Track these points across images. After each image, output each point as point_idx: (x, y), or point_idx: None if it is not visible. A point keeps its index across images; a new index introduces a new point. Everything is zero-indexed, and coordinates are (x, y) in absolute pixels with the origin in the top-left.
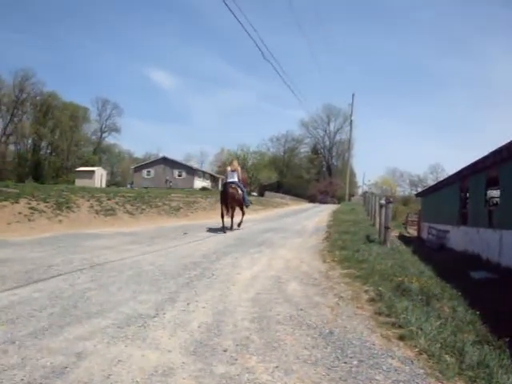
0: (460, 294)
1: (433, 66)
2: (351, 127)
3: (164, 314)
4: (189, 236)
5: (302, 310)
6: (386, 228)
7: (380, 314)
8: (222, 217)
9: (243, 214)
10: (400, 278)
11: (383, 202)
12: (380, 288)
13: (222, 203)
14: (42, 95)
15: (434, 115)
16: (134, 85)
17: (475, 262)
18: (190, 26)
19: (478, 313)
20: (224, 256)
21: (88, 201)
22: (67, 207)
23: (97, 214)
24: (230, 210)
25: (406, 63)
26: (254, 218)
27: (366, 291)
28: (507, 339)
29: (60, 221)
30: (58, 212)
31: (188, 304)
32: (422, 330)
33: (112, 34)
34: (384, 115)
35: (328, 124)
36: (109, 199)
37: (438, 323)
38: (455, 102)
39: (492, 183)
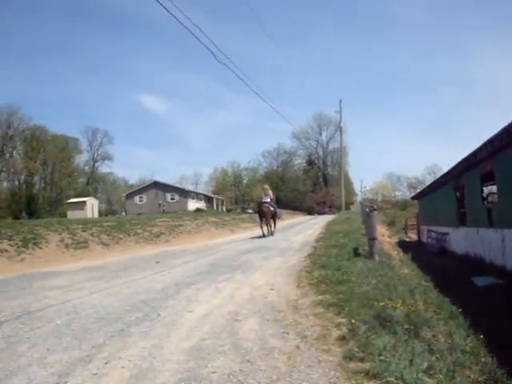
0: (460, 309)
1: (421, 68)
2: (341, 134)
3: (66, 383)
4: (160, 265)
5: (249, 361)
6: (372, 239)
7: (351, 358)
8: (262, 227)
9: (275, 225)
10: (382, 303)
11: (367, 210)
12: (353, 320)
13: (259, 218)
14: (30, 129)
15: (427, 116)
16: (126, 111)
17: (478, 266)
18: (178, 49)
19: (481, 336)
20: (185, 288)
21: (60, 234)
22: (34, 243)
23: (66, 248)
24: (265, 222)
25: (395, 67)
26: (242, 237)
27: (338, 325)
28: None
29: (22, 259)
30: (23, 249)
31: (106, 363)
32: (403, 379)
33: (99, 62)
34: (378, 121)
35: (320, 134)
36: (84, 231)
37: (426, 365)
38: (447, 101)
39: (488, 178)
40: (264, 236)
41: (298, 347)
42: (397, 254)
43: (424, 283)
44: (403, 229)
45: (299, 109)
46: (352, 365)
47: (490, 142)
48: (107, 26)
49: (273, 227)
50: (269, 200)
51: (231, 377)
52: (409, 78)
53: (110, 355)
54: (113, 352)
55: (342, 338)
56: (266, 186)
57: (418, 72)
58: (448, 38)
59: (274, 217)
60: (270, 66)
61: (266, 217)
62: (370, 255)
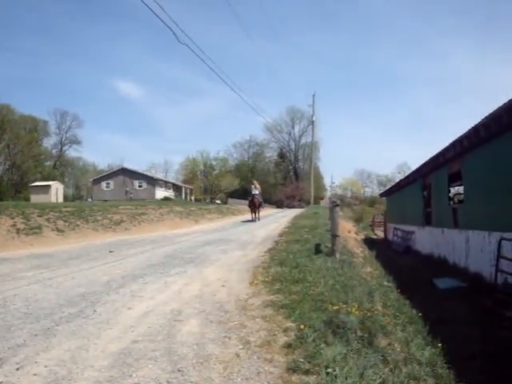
0: (420, 314)
1: (396, 68)
2: (313, 128)
3: None
4: (113, 255)
5: (179, 371)
6: (334, 236)
7: (295, 370)
8: (251, 214)
9: (259, 212)
10: (336, 307)
11: (331, 205)
12: (302, 326)
13: (250, 206)
14: None
15: (400, 116)
16: (100, 96)
17: (442, 267)
18: (156, 37)
19: (439, 345)
20: (132, 281)
21: (12, 219)
22: None
23: (17, 233)
24: (255, 210)
25: (371, 66)
26: (206, 228)
27: (287, 330)
28: None
29: None
30: None
31: (18, 369)
32: None
33: (75, 45)
34: (351, 118)
35: (292, 127)
36: (40, 215)
37: (378, 381)
38: (419, 101)
39: (455, 178)
40: (253, 220)
41: (237, 355)
42: (361, 252)
43: (386, 283)
44: (370, 225)
45: (276, 103)
46: (295, 378)
47: (459, 141)
48: (89, 10)
49: (258, 214)
50: (257, 192)
51: None
52: (384, 78)
53: (26, 359)
54: (30, 355)
55: (289, 346)
56: (255, 181)
57: (392, 72)
58: (422, 38)
59: (260, 206)
60: (247, 60)
61: (255, 206)
62: (332, 252)
